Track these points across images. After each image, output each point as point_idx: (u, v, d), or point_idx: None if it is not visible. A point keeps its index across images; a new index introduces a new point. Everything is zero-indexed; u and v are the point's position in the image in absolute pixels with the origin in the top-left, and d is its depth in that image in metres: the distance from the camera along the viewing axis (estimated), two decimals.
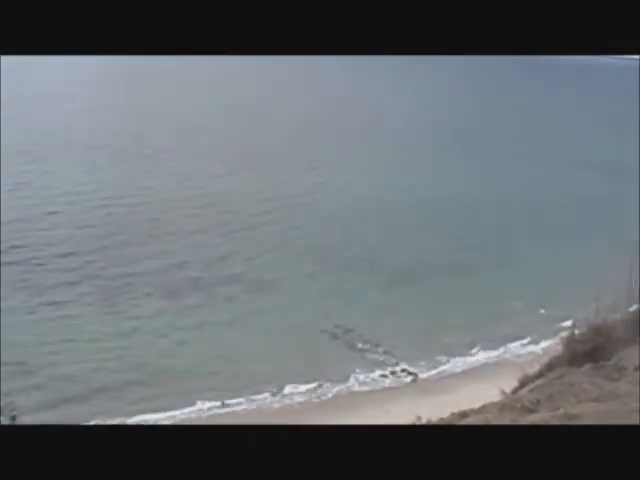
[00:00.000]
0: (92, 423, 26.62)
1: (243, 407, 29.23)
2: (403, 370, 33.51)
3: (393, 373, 33.32)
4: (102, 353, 31.72)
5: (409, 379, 33.07)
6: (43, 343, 31.74)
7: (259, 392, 30.23)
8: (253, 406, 29.46)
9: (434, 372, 33.89)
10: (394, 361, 33.96)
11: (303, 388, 31.21)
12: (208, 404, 29.12)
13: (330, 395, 31.24)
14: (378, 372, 33.18)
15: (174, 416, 28.07)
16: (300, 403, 30.35)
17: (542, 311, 38.15)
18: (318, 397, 30.97)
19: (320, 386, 31.47)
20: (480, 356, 35.25)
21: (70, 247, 43.62)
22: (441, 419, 12.15)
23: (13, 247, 42.23)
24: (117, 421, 27.19)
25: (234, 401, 29.53)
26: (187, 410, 28.32)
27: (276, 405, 29.82)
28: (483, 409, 11.71)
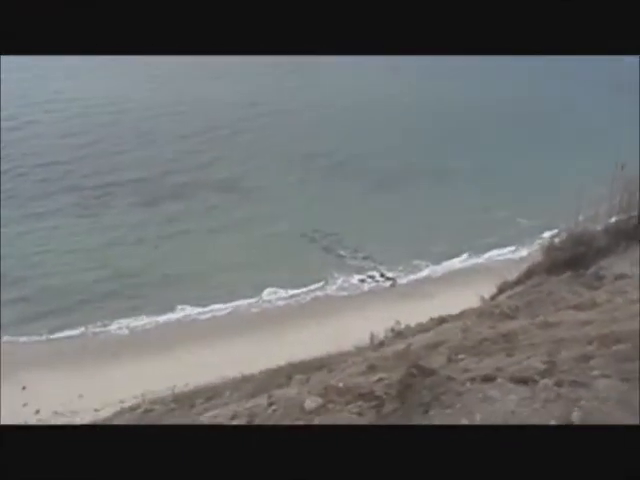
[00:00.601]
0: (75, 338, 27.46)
1: (223, 312, 30.07)
2: (382, 275, 33.96)
3: (372, 278, 33.76)
4: (84, 263, 32.23)
5: (388, 284, 33.57)
6: (25, 255, 32.15)
7: (240, 298, 30.96)
8: (233, 311, 30.28)
9: (413, 277, 34.19)
10: (373, 266, 34.36)
11: (283, 293, 31.90)
12: (189, 310, 29.97)
13: (309, 299, 31.93)
14: (357, 277, 33.68)
15: (156, 321, 29.01)
16: (279, 308, 31.09)
17: (525, 221, 37.91)
18: (297, 302, 31.71)
19: (300, 291, 32.15)
20: (460, 263, 35.26)
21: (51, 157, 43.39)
22: (419, 324, 12.35)
23: None
24: (99, 326, 28.11)
25: (215, 307, 30.33)
26: (167, 316, 29.19)
27: (255, 310, 30.62)
28: (462, 315, 11.79)
